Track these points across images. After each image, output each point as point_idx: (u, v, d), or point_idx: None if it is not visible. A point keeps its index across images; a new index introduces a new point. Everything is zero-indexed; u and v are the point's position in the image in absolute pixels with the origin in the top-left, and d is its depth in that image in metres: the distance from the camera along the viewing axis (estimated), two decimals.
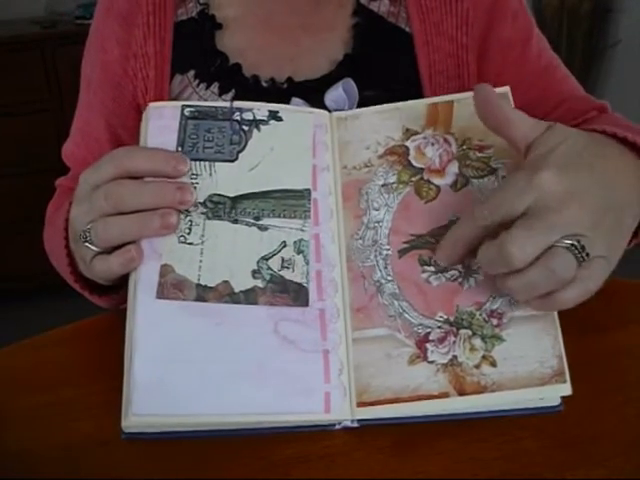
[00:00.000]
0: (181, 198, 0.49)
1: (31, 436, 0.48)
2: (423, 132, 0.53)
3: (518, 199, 0.43)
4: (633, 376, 0.51)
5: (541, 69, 0.72)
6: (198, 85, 0.68)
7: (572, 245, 0.42)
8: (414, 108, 0.54)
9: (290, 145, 0.53)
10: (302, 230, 0.51)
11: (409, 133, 0.53)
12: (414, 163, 0.52)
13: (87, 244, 0.50)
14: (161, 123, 0.53)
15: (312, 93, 0.64)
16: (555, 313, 0.47)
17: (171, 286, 0.48)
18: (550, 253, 0.42)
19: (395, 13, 0.71)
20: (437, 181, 0.51)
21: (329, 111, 0.56)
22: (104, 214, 0.49)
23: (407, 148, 0.53)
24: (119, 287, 0.58)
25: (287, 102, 0.61)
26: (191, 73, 0.69)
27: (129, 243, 0.49)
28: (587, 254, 0.43)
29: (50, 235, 0.68)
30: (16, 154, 2.21)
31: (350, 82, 0.63)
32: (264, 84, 0.68)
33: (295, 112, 0.55)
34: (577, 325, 0.51)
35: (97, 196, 0.49)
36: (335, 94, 0.63)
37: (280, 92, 0.67)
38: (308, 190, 0.52)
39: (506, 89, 0.52)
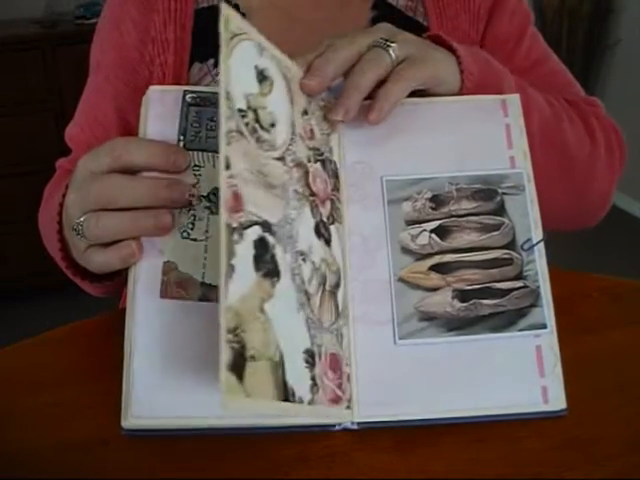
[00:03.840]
0: (175, 196, 0.47)
1: (31, 436, 0.48)
2: None
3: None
4: (633, 376, 0.51)
5: (529, 64, 0.73)
6: (217, 74, 0.68)
7: (378, 41, 0.51)
8: None
9: None
10: None
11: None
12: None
13: (79, 237, 0.49)
14: (162, 110, 0.50)
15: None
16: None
17: (174, 284, 0.47)
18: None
19: (413, 7, 0.72)
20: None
21: None
22: (96, 209, 0.48)
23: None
24: (113, 275, 0.57)
25: None
26: (211, 62, 0.68)
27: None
28: (391, 42, 0.51)
29: (44, 218, 0.67)
30: (16, 154, 2.21)
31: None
32: None
33: None
34: (577, 325, 0.51)
35: (90, 190, 0.48)
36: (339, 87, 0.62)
37: None
38: None
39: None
